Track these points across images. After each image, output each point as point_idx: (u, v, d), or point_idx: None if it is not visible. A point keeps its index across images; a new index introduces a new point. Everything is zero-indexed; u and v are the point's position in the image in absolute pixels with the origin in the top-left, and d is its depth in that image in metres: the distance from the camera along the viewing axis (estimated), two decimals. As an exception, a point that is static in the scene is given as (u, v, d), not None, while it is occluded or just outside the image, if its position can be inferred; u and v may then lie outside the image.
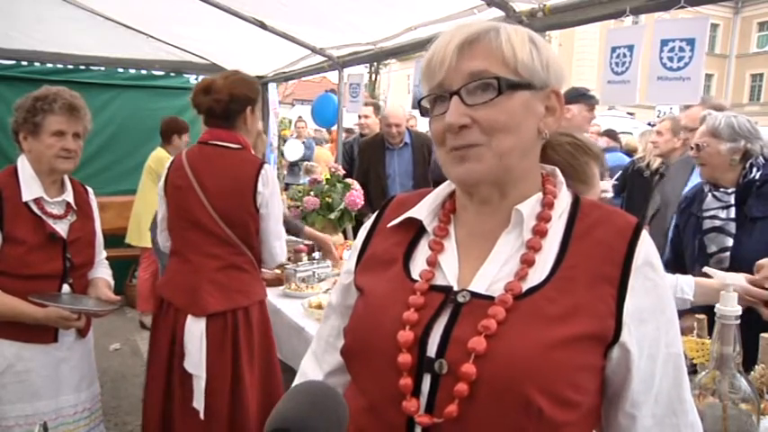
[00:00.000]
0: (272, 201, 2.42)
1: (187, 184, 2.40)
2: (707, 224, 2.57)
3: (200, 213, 2.38)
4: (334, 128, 9.32)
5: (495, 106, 0.88)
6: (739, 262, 2.37)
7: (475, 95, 0.88)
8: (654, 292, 0.89)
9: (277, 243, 2.48)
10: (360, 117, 5.58)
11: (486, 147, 0.89)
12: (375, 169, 4.73)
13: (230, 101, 2.42)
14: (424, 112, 0.96)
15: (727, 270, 2.36)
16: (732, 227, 2.50)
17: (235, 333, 2.36)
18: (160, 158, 5.14)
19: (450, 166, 0.92)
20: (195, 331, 2.31)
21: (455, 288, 0.91)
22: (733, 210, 2.51)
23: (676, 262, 2.69)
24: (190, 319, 2.33)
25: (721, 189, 2.57)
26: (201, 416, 2.30)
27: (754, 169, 2.49)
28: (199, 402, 2.31)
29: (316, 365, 1.12)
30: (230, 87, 2.43)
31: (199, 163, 2.43)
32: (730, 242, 2.49)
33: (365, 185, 4.27)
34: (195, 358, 2.31)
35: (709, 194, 2.61)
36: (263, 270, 2.66)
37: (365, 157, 4.85)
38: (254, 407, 2.38)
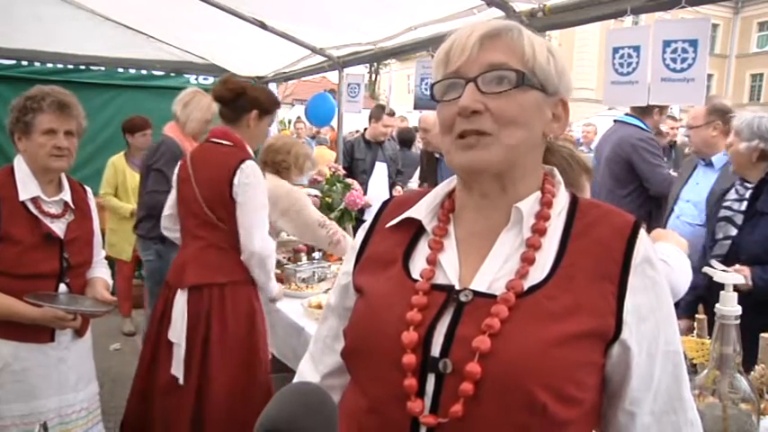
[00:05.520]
0: (251, 191, 2.54)
1: (187, 176, 2.66)
2: (721, 213, 2.77)
3: (192, 200, 2.62)
4: (328, 126, 9.34)
5: (509, 98, 0.89)
6: (739, 252, 2.60)
7: (491, 85, 0.90)
8: (653, 289, 0.90)
9: (255, 231, 2.54)
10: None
11: (495, 137, 0.90)
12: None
13: (239, 96, 2.63)
14: (433, 97, 0.96)
15: (725, 257, 2.57)
16: (740, 218, 2.68)
17: (209, 307, 2.53)
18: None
19: (455, 154, 0.92)
20: (179, 303, 2.54)
21: (457, 287, 0.91)
22: (745, 203, 2.69)
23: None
24: (178, 293, 2.56)
25: (745, 183, 2.75)
26: (181, 381, 2.49)
27: None
28: (178, 369, 2.50)
29: (312, 367, 1.11)
30: (246, 85, 2.69)
31: (197, 157, 2.70)
32: (734, 232, 2.66)
33: None
34: (177, 328, 2.52)
35: (734, 187, 2.79)
36: None
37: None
38: (223, 381, 2.50)
